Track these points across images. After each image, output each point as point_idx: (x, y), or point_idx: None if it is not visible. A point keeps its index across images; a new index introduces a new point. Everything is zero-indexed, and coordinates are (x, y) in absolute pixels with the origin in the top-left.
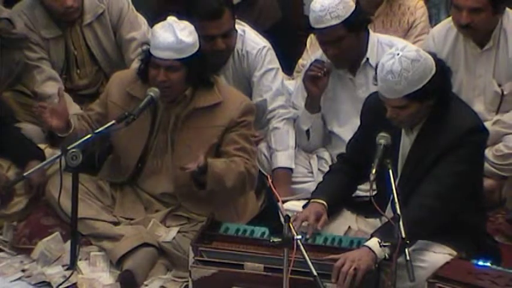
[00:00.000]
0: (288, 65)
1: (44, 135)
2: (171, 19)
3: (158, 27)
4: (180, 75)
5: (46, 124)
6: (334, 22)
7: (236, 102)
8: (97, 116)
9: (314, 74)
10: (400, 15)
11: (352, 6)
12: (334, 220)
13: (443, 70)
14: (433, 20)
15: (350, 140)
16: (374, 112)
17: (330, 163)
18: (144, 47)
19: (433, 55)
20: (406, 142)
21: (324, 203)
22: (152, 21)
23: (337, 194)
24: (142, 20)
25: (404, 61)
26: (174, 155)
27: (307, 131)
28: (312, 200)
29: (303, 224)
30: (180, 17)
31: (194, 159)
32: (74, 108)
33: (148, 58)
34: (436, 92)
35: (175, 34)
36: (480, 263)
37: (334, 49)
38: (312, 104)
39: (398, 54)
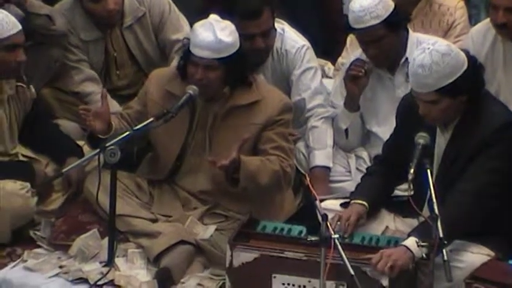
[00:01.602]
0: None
1: (82, 132)
2: (213, 18)
3: (198, 25)
4: (217, 74)
5: (89, 127)
6: (373, 22)
7: (274, 101)
8: (136, 114)
9: (355, 73)
10: (440, 15)
11: (391, 5)
12: (372, 219)
13: (475, 66)
14: (473, 20)
15: (387, 141)
16: (409, 112)
17: (368, 162)
18: (185, 41)
19: (466, 51)
20: (441, 141)
21: (366, 203)
22: (194, 21)
23: (376, 196)
24: (184, 21)
25: (435, 55)
26: (212, 152)
27: (346, 130)
28: (352, 201)
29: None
30: (222, 15)
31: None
32: (113, 105)
33: (187, 55)
34: (468, 87)
35: (215, 33)
36: None
37: (374, 49)
38: (352, 103)
39: (429, 48)
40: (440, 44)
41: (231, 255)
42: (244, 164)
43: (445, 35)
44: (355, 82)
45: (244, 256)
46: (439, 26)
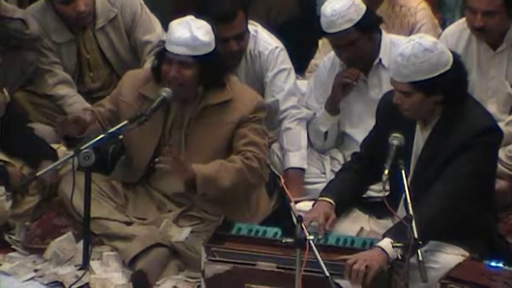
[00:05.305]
0: (299, 65)
1: (57, 136)
2: (190, 17)
3: (175, 23)
4: (191, 72)
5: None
6: (346, 26)
7: (248, 99)
8: (108, 113)
9: (350, 82)
10: (401, 16)
11: (363, 8)
12: (346, 220)
13: (459, 70)
14: (448, 23)
15: (365, 138)
16: (389, 110)
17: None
18: (160, 43)
19: (456, 55)
20: (419, 140)
21: (332, 201)
22: (167, 24)
23: (346, 193)
24: (156, 23)
25: (417, 48)
26: (187, 154)
27: (326, 133)
28: (319, 198)
29: (312, 223)
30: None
31: (206, 157)
32: (86, 107)
33: (162, 54)
34: (445, 89)
35: (191, 31)
36: (492, 264)
37: (348, 52)
38: (334, 107)
39: (414, 40)
40: (428, 39)
41: (203, 267)
42: (199, 171)
43: (408, 36)
44: (344, 89)
45: (215, 269)
46: (401, 28)
